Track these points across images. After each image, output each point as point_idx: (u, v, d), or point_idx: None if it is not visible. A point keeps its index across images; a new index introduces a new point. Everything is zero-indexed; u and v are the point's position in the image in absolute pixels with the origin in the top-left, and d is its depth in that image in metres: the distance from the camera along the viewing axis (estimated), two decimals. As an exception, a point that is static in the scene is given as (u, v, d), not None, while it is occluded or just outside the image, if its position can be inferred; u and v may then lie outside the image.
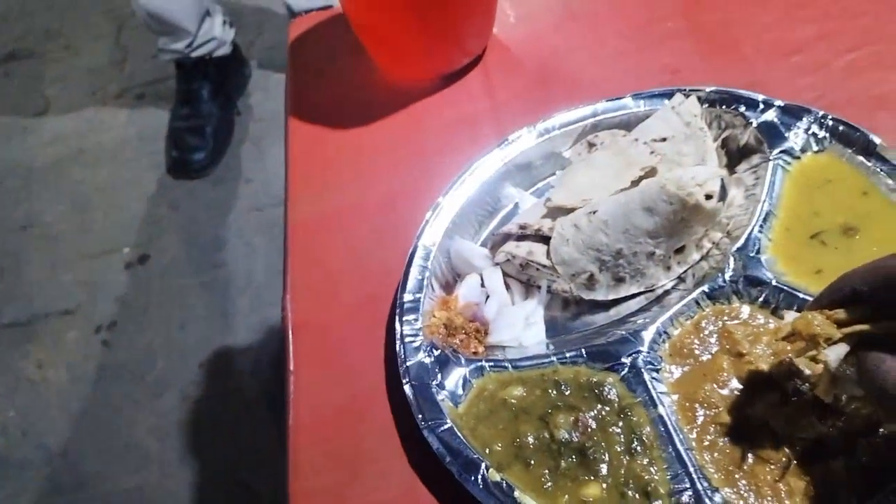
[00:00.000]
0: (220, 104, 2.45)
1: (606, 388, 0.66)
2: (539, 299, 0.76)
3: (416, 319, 0.73)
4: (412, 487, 0.68)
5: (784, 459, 0.60)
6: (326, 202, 0.92)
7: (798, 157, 0.77)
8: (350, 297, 0.83)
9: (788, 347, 0.61)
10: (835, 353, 0.52)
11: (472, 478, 0.63)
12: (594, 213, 0.72)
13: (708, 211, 0.70)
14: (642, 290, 0.74)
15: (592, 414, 0.65)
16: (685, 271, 0.75)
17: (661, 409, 0.64)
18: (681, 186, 0.68)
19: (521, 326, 0.74)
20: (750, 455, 0.61)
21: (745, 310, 0.69)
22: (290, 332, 0.81)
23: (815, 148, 0.77)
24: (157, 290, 2.17)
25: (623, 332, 0.69)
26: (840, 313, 0.52)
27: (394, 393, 0.73)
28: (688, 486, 0.60)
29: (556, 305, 0.77)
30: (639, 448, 0.63)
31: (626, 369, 0.67)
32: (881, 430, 0.59)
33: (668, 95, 0.84)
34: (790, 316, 0.65)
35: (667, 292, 0.74)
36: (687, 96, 0.82)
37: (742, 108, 0.81)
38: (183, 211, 2.35)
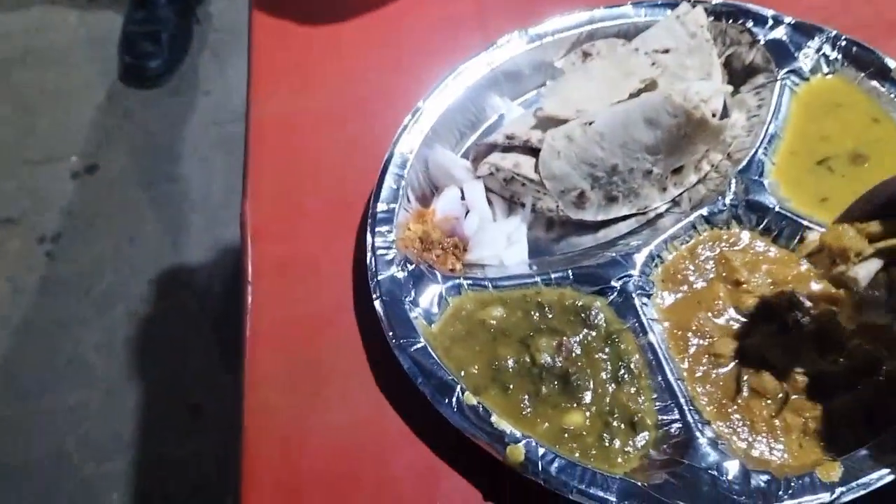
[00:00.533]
0: (177, 10, 2.29)
1: (593, 313, 0.62)
2: (522, 217, 0.70)
3: (389, 231, 0.67)
4: (379, 409, 0.63)
5: (781, 394, 0.56)
6: (293, 103, 0.84)
7: (807, 79, 0.72)
8: (317, 206, 0.76)
9: (812, 268, 0.57)
10: (865, 270, 0.47)
11: (446, 400, 0.58)
12: (590, 124, 0.66)
13: (713, 127, 0.65)
14: (634, 211, 0.69)
15: (577, 339, 0.61)
16: (681, 194, 0.70)
17: (651, 337, 0.60)
18: (687, 98, 0.63)
19: (503, 244, 0.68)
20: (745, 388, 0.57)
21: (745, 236, 0.65)
22: (249, 239, 0.75)
23: (826, 70, 0.72)
24: (106, 202, 2.05)
25: (613, 255, 0.64)
26: (874, 225, 0.48)
27: (362, 308, 0.68)
28: (677, 417, 0.56)
29: (539, 225, 0.71)
30: (626, 376, 0.59)
31: (616, 293, 0.62)
32: (884, 367, 0.56)
33: (673, 5, 0.77)
34: (814, 234, 0.60)
35: (660, 216, 0.69)
36: (693, 6, 0.75)
37: (750, 24, 0.75)
38: (135, 121, 2.21)
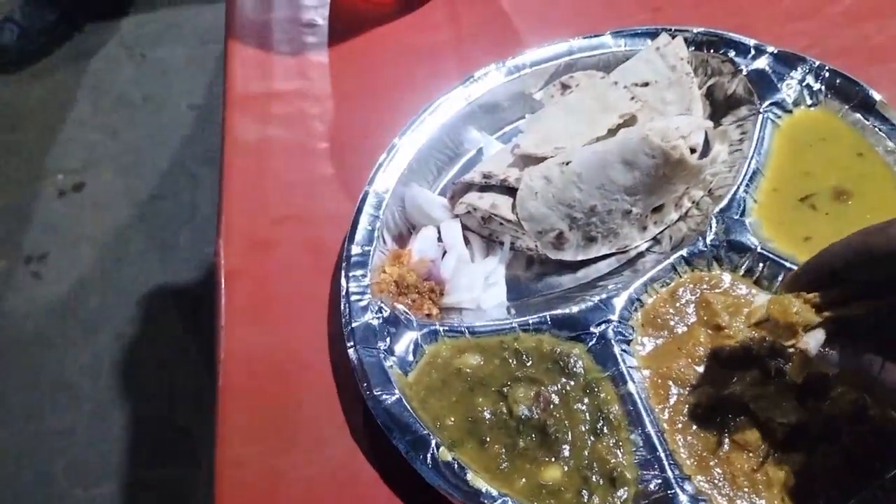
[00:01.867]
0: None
1: (572, 360, 0.60)
2: (501, 257, 0.69)
3: (363, 275, 0.66)
4: (354, 461, 0.61)
5: (763, 446, 0.55)
6: (267, 138, 0.82)
7: (790, 111, 0.70)
8: (291, 246, 0.74)
9: (760, 334, 0.56)
10: (815, 340, 0.47)
11: (421, 456, 0.56)
12: (567, 164, 0.64)
13: (692, 166, 0.63)
14: (614, 250, 0.68)
15: (556, 388, 0.59)
16: (661, 232, 0.68)
17: (630, 386, 0.58)
18: (665, 138, 0.61)
19: (481, 287, 0.67)
20: (726, 440, 0.56)
21: (727, 278, 0.63)
22: (223, 281, 0.73)
23: (809, 102, 0.70)
24: (93, 221, 2.03)
25: (592, 299, 0.62)
26: (818, 297, 0.47)
27: (337, 355, 0.66)
28: (657, 472, 0.54)
29: (518, 264, 0.70)
30: (605, 429, 0.57)
31: (595, 340, 0.60)
32: (870, 412, 0.54)
33: (653, 35, 0.76)
34: (761, 298, 0.59)
35: (640, 254, 0.68)
36: (673, 37, 0.74)
37: (731, 54, 0.74)
38: (121, 138, 2.20)
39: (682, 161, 0.62)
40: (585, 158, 0.64)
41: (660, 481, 0.54)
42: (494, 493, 0.54)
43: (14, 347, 1.84)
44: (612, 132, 0.67)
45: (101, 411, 1.71)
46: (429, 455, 0.56)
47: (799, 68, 0.71)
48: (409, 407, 0.59)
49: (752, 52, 0.72)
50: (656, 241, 0.68)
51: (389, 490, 0.60)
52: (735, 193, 0.65)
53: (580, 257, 0.67)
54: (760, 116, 0.69)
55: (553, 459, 0.56)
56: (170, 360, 1.77)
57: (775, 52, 0.72)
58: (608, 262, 0.68)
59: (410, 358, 0.62)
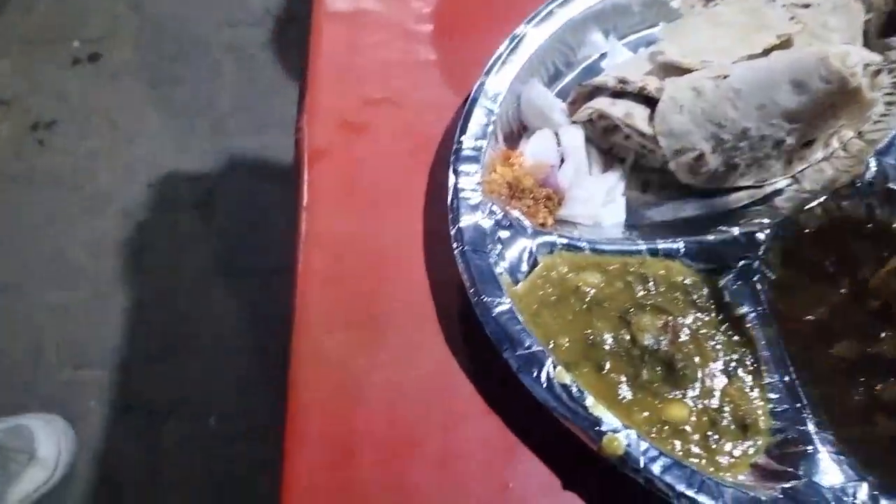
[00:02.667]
0: None
1: (706, 294, 0.54)
2: (622, 174, 0.62)
3: (475, 172, 0.59)
4: (448, 371, 0.56)
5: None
6: (363, 11, 0.74)
7: (955, 59, 0.63)
8: (385, 131, 0.67)
9: None
10: None
11: (535, 374, 0.50)
12: (724, 77, 0.57)
13: (866, 100, 0.56)
14: (751, 183, 0.61)
15: (685, 321, 0.54)
16: (803, 170, 0.62)
17: (771, 329, 0.52)
18: (846, 63, 0.54)
19: (601, 202, 0.60)
20: (871, 401, 0.51)
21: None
22: (306, 160, 0.66)
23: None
24: (107, 95, 1.92)
25: (732, 231, 0.56)
26: None
27: (435, 254, 0.60)
28: (796, 424, 0.49)
29: (633, 185, 0.63)
30: (740, 371, 0.52)
31: (734, 275, 0.55)
32: None
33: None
34: None
35: (777, 192, 0.62)
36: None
37: (896, -12, 0.66)
38: (145, 12, 2.07)
39: (858, 92, 0.55)
40: (747, 74, 0.57)
41: (797, 435, 0.49)
42: (618, 423, 0.48)
43: (13, 216, 1.75)
44: (766, 52, 0.60)
45: (101, 293, 1.64)
46: (543, 374, 0.51)
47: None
48: (520, 319, 0.53)
49: (925, -13, 0.65)
50: (795, 179, 0.62)
51: (487, 406, 0.54)
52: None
53: (715, 185, 0.61)
54: (926, 59, 0.62)
55: (681, 396, 0.51)
56: (177, 250, 1.69)
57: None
58: (738, 195, 0.62)
59: (524, 267, 0.56)
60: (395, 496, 0.52)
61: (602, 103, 0.61)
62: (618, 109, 0.60)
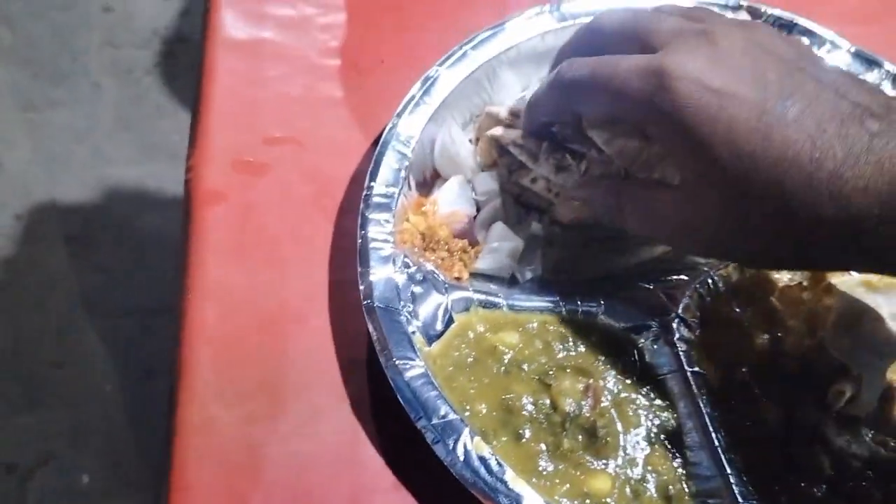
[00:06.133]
0: None
1: (627, 355, 0.52)
2: (538, 226, 0.59)
3: (387, 221, 0.54)
4: (354, 441, 0.51)
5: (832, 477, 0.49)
6: (262, 41, 0.69)
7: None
8: (286, 174, 0.62)
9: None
10: None
11: (451, 445, 0.46)
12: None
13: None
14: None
15: (607, 384, 0.51)
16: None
17: (693, 391, 0.51)
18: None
19: (517, 255, 0.57)
20: (795, 467, 0.49)
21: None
22: (196, 202, 0.59)
23: (880, 112, 0.66)
24: (-28, 118, 1.77)
25: (651, 287, 0.55)
26: None
27: (340, 311, 0.55)
28: (720, 494, 0.47)
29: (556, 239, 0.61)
30: (663, 437, 0.50)
31: (654, 334, 0.53)
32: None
33: (725, 8, 0.68)
34: None
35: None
36: (748, 11, 0.67)
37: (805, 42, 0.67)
38: (18, 30, 1.92)
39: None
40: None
41: (723, 502, 0.47)
42: (540, 500, 0.45)
43: None
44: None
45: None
46: (460, 445, 0.46)
47: (875, 71, 0.66)
48: (435, 383, 0.49)
49: (829, 45, 0.66)
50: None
51: (397, 479, 0.49)
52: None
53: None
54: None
55: (603, 467, 0.48)
56: (47, 285, 1.55)
57: (853, 50, 0.66)
58: (654, 248, 0.60)
59: (439, 326, 0.52)
60: (294, 587, 0.46)
61: (496, 130, 0.59)
62: (510, 134, 0.58)
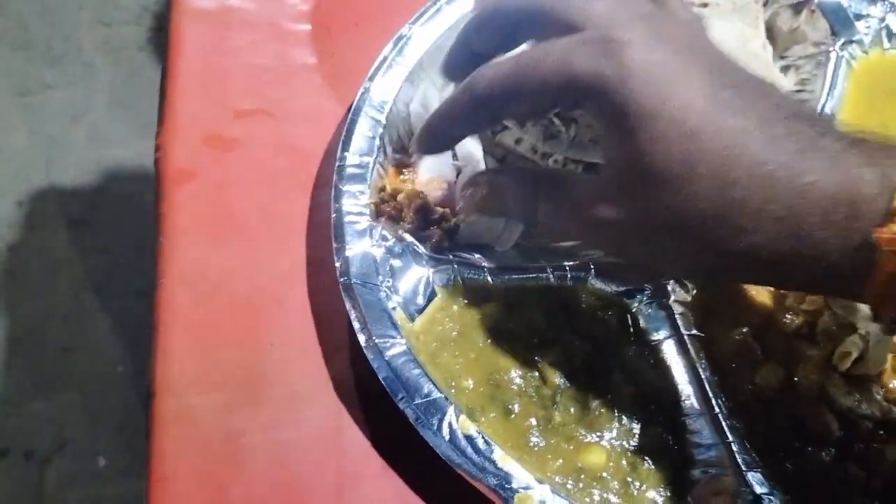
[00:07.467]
0: None
1: (620, 320, 0.49)
2: (524, 187, 0.56)
3: (361, 192, 0.52)
4: (337, 425, 0.49)
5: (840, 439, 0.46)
6: (230, 8, 0.66)
7: (865, 52, 0.61)
8: (258, 147, 0.59)
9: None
10: None
11: (436, 425, 0.44)
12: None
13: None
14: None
15: (599, 354, 0.48)
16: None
17: (691, 357, 0.48)
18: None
19: (502, 222, 0.54)
20: (799, 430, 0.47)
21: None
22: (166, 182, 0.57)
23: (888, 45, 0.61)
24: (-33, 105, 1.75)
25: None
26: None
27: (319, 288, 0.53)
28: (721, 462, 0.45)
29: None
30: (659, 406, 0.47)
31: (648, 297, 0.50)
32: None
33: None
34: None
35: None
36: (740, -50, 0.62)
37: (801, -21, 0.63)
38: (7, 12, 1.89)
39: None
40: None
41: (725, 474, 0.45)
42: (531, 478, 0.43)
43: None
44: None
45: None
46: (445, 424, 0.44)
47: (878, 4, 0.61)
48: (418, 361, 0.46)
49: (830, -22, 0.62)
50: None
51: (385, 463, 0.47)
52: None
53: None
54: (834, 55, 0.60)
55: (597, 439, 0.46)
56: (52, 270, 1.55)
57: (855, -19, 0.62)
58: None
59: (421, 301, 0.50)
60: (280, 578, 0.44)
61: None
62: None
